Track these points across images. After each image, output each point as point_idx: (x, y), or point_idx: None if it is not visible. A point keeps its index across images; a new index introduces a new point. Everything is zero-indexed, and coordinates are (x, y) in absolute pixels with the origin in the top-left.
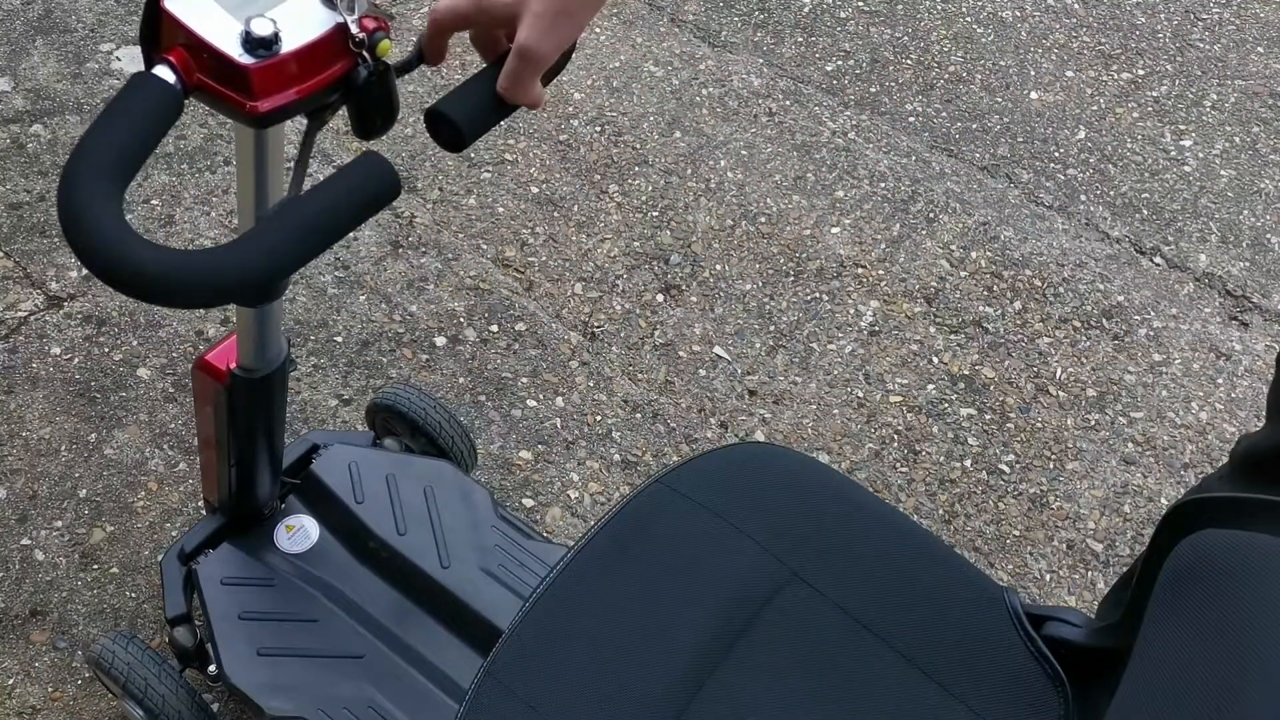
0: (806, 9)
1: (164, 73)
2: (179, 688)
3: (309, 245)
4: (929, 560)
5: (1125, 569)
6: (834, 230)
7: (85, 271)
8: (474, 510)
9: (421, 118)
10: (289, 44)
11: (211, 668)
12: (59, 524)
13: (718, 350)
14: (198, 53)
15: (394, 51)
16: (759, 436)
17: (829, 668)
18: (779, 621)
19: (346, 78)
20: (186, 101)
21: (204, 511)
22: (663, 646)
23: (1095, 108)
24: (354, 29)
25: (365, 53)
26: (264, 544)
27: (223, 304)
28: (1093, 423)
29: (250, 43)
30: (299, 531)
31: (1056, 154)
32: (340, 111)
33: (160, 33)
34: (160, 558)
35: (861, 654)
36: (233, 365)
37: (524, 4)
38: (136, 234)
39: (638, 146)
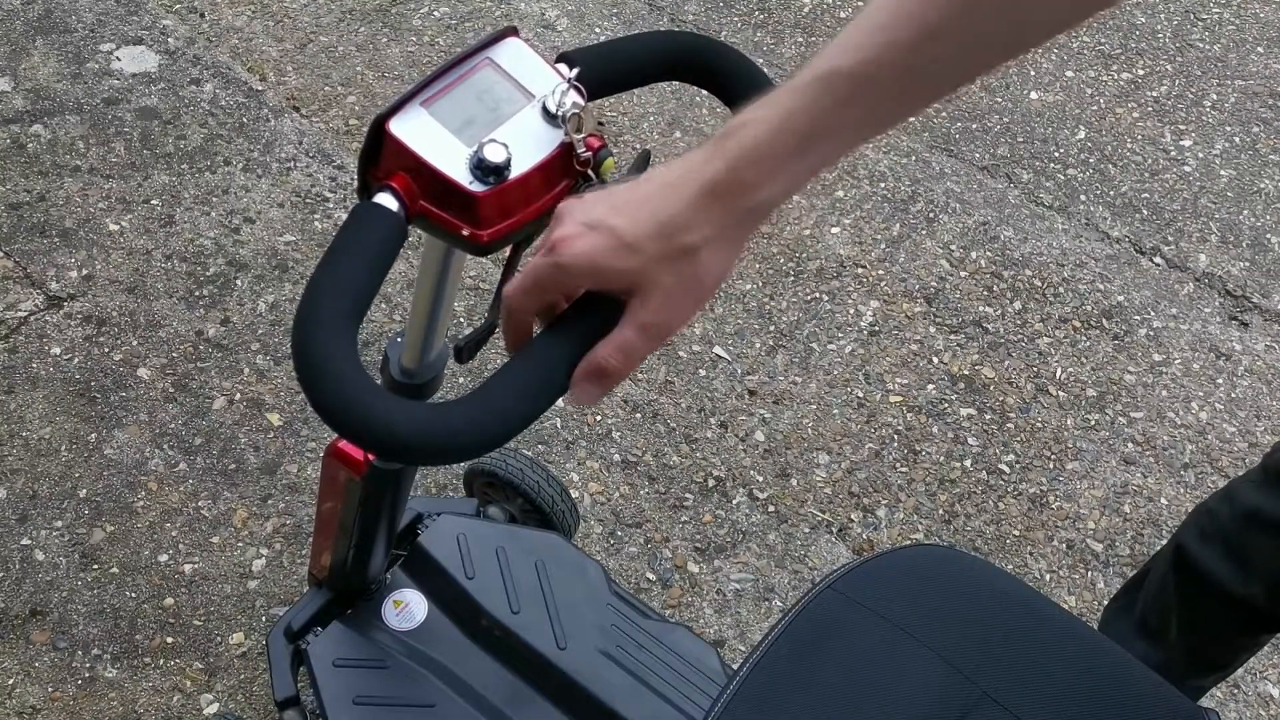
0: (806, 9)
1: (387, 200)
2: None
3: (555, 390)
4: (1122, 678)
5: (1130, 572)
6: (834, 230)
7: (85, 271)
8: (588, 586)
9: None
10: (517, 168)
11: None
12: (59, 524)
13: (718, 350)
14: (423, 179)
15: (618, 165)
16: (759, 437)
17: None
18: None
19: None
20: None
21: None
22: None
23: (1095, 108)
24: (580, 149)
25: (591, 171)
26: (373, 621)
27: (470, 459)
28: (1093, 423)
29: (481, 169)
30: (406, 608)
31: (1056, 154)
32: None
33: (382, 157)
34: (266, 636)
35: None
36: (371, 456)
37: (647, 276)
38: (378, 388)
39: (638, 146)
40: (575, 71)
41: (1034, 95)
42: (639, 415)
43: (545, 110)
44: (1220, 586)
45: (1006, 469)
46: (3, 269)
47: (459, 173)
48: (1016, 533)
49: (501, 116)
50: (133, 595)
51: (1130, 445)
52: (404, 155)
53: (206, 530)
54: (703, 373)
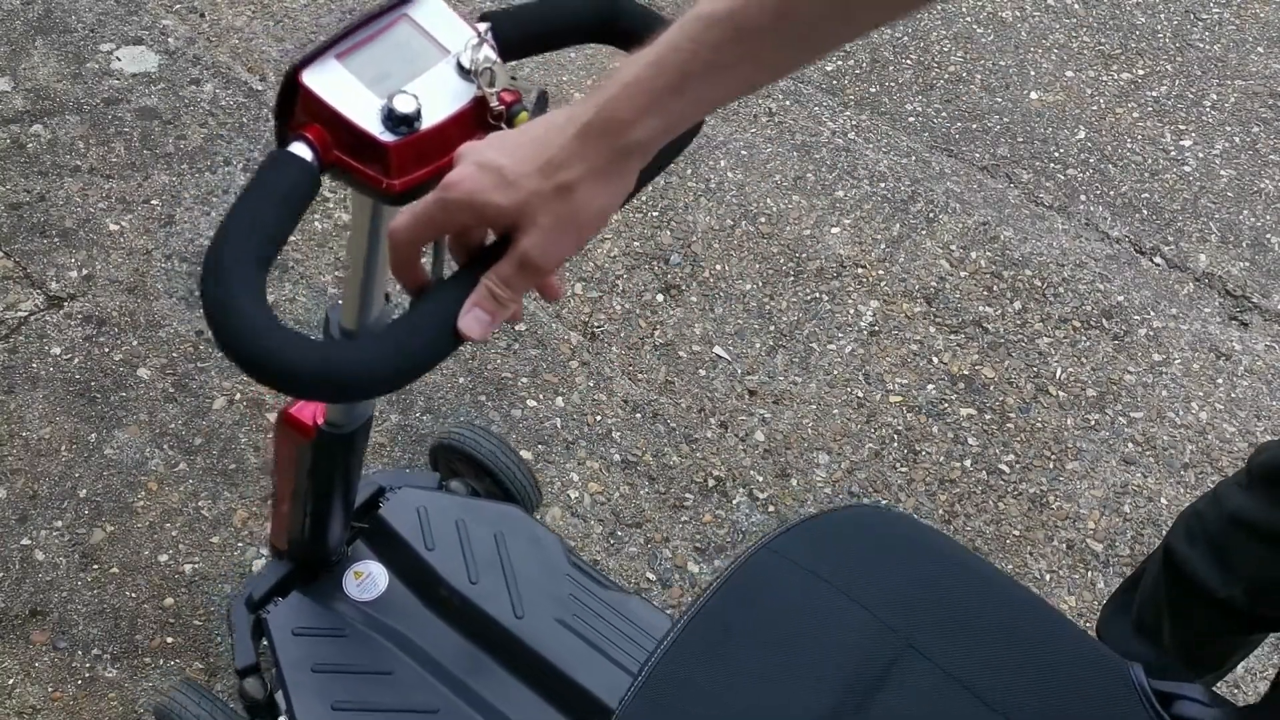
0: None
1: (301, 150)
2: None
3: (453, 332)
4: (1050, 632)
5: (1129, 572)
6: (834, 230)
7: (85, 271)
8: (546, 557)
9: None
10: (429, 120)
11: (282, 719)
12: (59, 524)
13: (718, 350)
14: (336, 129)
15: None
16: (759, 437)
17: None
18: (898, 696)
19: None
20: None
21: (266, 556)
22: None
23: (1095, 108)
24: (494, 103)
25: (504, 125)
26: (333, 592)
27: (369, 397)
28: (1093, 423)
29: (392, 119)
30: (368, 578)
31: (1056, 154)
32: None
33: (296, 107)
34: (227, 605)
35: None
36: (319, 420)
37: (526, 212)
38: (284, 327)
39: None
40: (488, 27)
41: (1034, 95)
42: (639, 415)
43: (460, 65)
44: (1205, 588)
45: (1006, 469)
46: (3, 269)
47: (370, 123)
48: (1016, 533)
49: (416, 70)
50: (133, 595)
51: (1130, 445)
52: (316, 106)
53: (206, 530)
54: (703, 373)
